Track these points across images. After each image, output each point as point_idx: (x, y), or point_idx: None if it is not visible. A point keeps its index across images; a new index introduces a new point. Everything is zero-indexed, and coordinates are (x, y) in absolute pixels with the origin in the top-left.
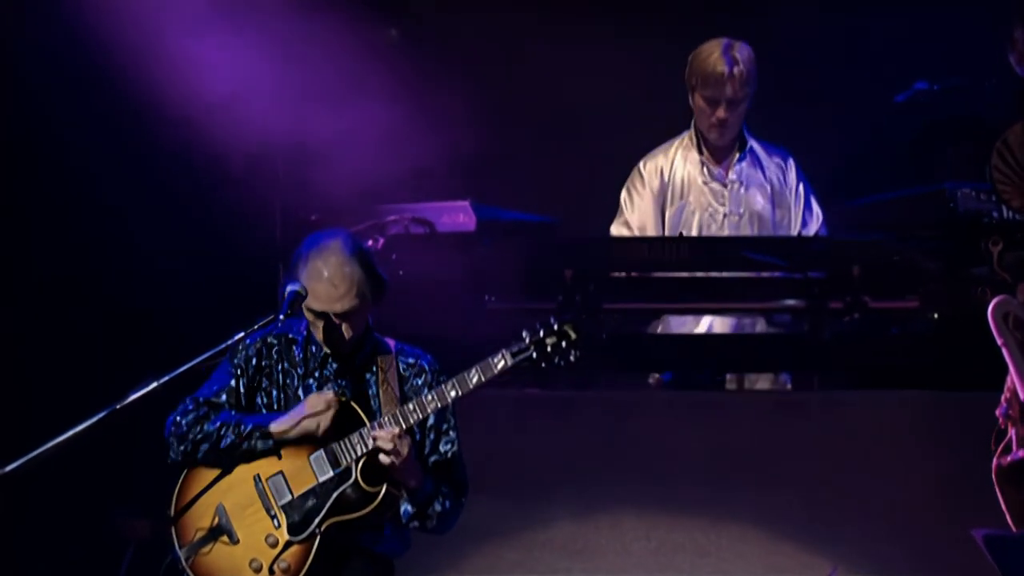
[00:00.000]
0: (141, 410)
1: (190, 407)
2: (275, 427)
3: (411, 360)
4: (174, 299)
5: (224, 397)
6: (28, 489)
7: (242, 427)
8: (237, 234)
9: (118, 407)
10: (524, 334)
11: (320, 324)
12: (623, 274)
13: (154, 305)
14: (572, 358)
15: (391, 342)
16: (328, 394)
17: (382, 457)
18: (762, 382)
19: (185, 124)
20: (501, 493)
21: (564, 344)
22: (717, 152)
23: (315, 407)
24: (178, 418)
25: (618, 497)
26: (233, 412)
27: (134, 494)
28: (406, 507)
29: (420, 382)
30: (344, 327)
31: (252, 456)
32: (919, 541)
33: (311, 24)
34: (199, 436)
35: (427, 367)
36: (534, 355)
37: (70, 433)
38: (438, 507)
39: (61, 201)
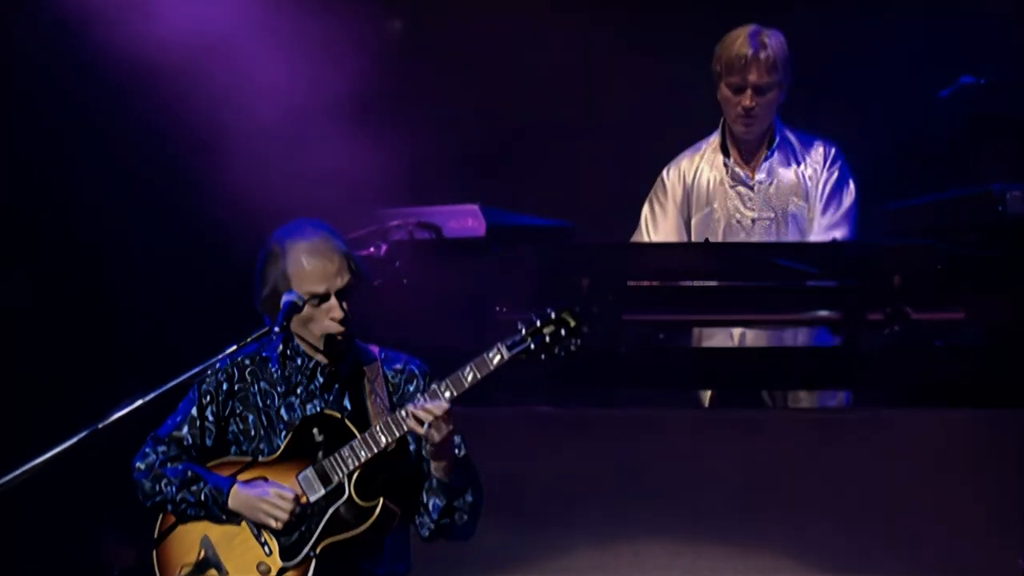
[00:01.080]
0: (127, 427)
1: (148, 450)
2: (232, 503)
3: (398, 366)
4: (157, 306)
5: (185, 430)
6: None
7: (202, 494)
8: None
9: (100, 426)
10: (520, 325)
11: (308, 325)
12: (644, 283)
13: (136, 311)
14: (573, 347)
15: (375, 349)
16: (290, 495)
17: (426, 430)
18: (795, 400)
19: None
20: (512, 519)
21: (564, 332)
22: (745, 151)
23: (278, 504)
24: (139, 464)
25: (639, 523)
26: (191, 467)
27: (118, 517)
28: (435, 501)
29: (412, 388)
30: (337, 308)
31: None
32: (968, 574)
33: (310, 17)
34: (159, 499)
35: (417, 371)
36: (532, 346)
37: (49, 455)
38: (469, 497)
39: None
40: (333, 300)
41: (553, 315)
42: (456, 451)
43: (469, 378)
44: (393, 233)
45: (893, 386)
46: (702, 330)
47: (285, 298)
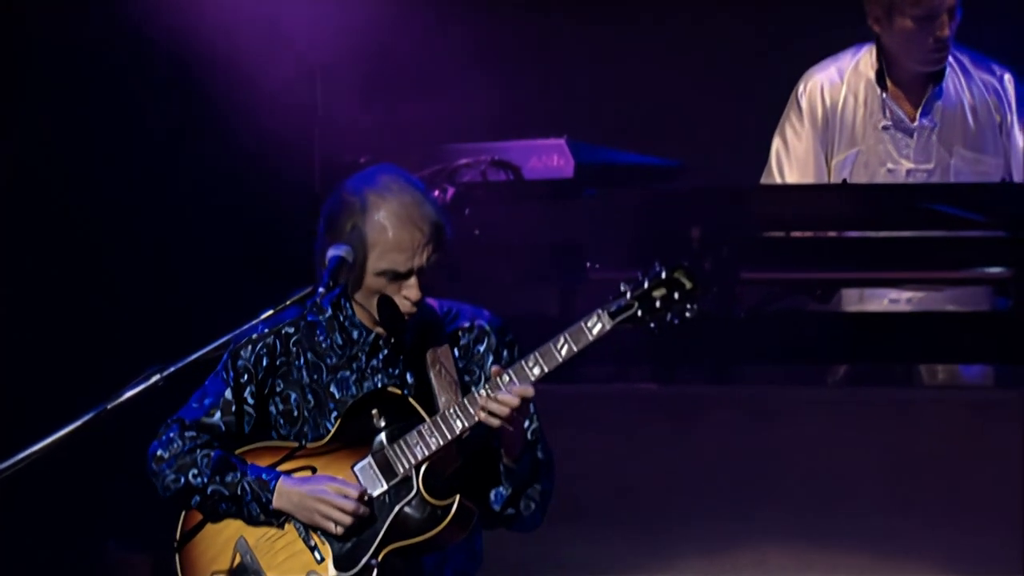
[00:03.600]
0: (142, 408)
1: (173, 435)
2: (278, 501)
3: (465, 323)
4: (186, 267)
5: (218, 416)
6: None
7: (239, 487)
8: (264, 184)
9: (108, 407)
10: (623, 287)
11: (374, 298)
12: (766, 234)
13: (159, 275)
14: (688, 314)
15: (432, 303)
16: (354, 492)
17: (499, 422)
18: (951, 376)
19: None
20: (606, 522)
21: (677, 295)
22: (908, 84)
23: (339, 504)
24: (160, 452)
25: (762, 526)
26: (226, 455)
27: (126, 517)
28: (499, 491)
29: (482, 349)
30: (415, 289)
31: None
32: None
33: None
34: (183, 491)
35: (488, 327)
36: (639, 313)
37: (51, 439)
38: (539, 485)
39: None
40: (413, 279)
41: (664, 274)
42: (528, 433)
43: (563, 351)
44: (462, 173)
45: None
46: (841, 291)
47: (331, 252)
